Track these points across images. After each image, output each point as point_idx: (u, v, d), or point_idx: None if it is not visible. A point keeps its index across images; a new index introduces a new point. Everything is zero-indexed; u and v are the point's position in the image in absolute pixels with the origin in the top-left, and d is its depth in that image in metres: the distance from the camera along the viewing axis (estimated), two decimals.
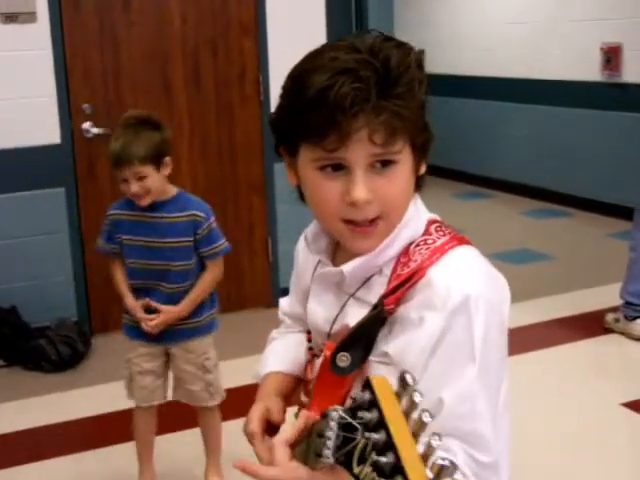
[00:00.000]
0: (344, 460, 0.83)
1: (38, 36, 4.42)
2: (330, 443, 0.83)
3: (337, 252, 1.32)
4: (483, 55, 8.39)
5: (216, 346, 4.62)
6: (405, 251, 1.23)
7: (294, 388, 1.46)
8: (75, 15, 4.54)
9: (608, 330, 4.63)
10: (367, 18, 9.46)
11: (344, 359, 1.13)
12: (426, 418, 0.79)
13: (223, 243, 2.97)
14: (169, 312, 2.93)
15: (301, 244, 1.43)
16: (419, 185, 1.27)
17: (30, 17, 4.35)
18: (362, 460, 0.80)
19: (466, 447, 1.12)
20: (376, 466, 0.77)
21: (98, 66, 4.65)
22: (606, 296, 4.95)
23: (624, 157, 6.78)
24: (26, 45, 4.41)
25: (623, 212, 6.50)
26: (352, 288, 1.26)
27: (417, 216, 1.26)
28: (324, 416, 0.86)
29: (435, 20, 9.10)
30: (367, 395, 0.82)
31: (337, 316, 1.27)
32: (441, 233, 1.24)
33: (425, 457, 0.76)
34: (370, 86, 1.12)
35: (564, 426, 3.66)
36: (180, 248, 2.90)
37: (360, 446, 0.80)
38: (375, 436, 0.79)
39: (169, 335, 3.00)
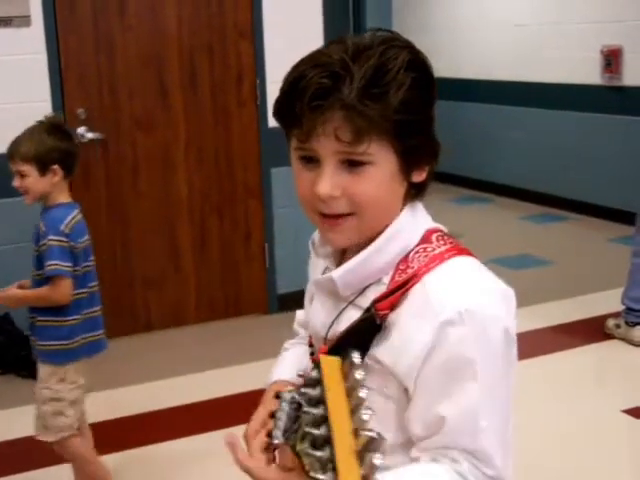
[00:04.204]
0: (288, 439, 0.85)
1: (32, 40, 4.37)
2: (280, 424, 0.85)
3: (343, 258, 1.30)
4: (482, 58, 8.35)
5: (212, 352, 4.60)
6: (404, 259, 1.21)
7: None
8: (70, 19, 4.49)
9: (609, 336, 4.58)
10: (365, 22, 9.46)
11: None
12: (362, 394, 0.79)
13: (54, 265, 2.79)
14: (10, 293, 2.94)
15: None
16: (418, 192, 1.25)
17: (24, 21, 4.31)
18: (304, 437, 0.81)
19: (470, 459, 1.12)
20: (310, 439, 0.79)
21: (93, 70, 4.60)
22: (607, 302, 4.90)
23: (624, 161, 6.74)
24: (20, 49, 4.36)
25: (623, 217, 6.46)
26: (350, 296, 1.25)
27: (412, 225, 1.24)
28: (277, 397, 0.88)
29: (434, 24, 9.06)
30: (314, 373, 0.84)
31: (333, 322, 1.27)
32: (442, 242, 1.22)
33: (356, 432, 0.76)
34: (341, 84, 1.12)
35: (564, 433, 3.61)
36: (34, 256, 2.89)
37: (304, 423, 0.81)
38: (314, 411, 0.80)
39: None
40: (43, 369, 2.91)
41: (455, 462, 1.11)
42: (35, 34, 4.37)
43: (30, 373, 4.29)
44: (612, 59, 6.86)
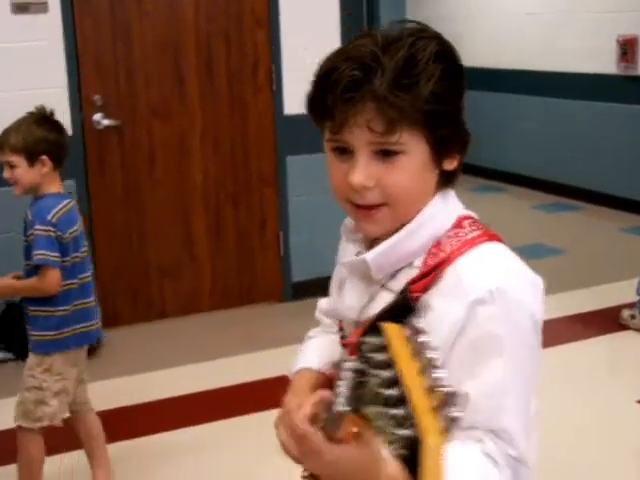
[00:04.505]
0: (353, 406, 0.85)
1: (49, 26, 4.38)
2: (344, 391, 0.85)
3: (375, 242, 1.31)
4: (496, 48, 8.32)
5: (226, 340, 4.61)
6: (437, 243, 1.23)
7: (326, 387, 1.47)
8: (87, 5, 4.49)
9: (624, 327, 4.58)
10: (378, 11, 9.42)
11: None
12: (432, 354, 0.82)
13: (41, 254, 2.78)
14: (1, 282, 2.94)
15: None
16: (450, 180, 1.27)
17: (41, 7, 4.31)
18: (371, 401, 0.83)
19: (494, 438, 1.13)
20: (382, 401, 0.81)
21: (110, 57, 4.60)
22: (621, 292, 4.90)
23: (638, 150, 6.72)
24: (37, 36, 4.36)
25: (636, 207, 6.45)
26: (382, 279, 1.27)
27: (444, 211, 1.26)
28: (335, 367, 0.89)
29: (448, 14, 9.02)
30: (378, 339, 0.86)
31: (366, 305, 1.29)
32: (474, 227, 1.25)
33: (431, 389, 0.79)
34: (372, 75, 1.14)
35: (579, 424, 3.62)
36: (24, 247, 2.88)
37: (370, 387, 0.83)
38: (384, 373, 0.82)
39: None
40: (31, 357, 2.92)
41: (480, 442, 1.12)
42: (52, 20, 4.37)
43: None
44: (628, 48, 6.83)
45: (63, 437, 3.15)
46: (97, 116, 4.58)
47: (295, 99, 4.87)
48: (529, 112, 8.01)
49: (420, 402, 0.77)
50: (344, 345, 1.38)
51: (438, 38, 1.21)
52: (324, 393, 1.01)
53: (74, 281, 2.89)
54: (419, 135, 1.18)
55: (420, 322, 0.93)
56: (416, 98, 1.15)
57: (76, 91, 4.51)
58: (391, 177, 1.20)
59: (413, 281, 1.20)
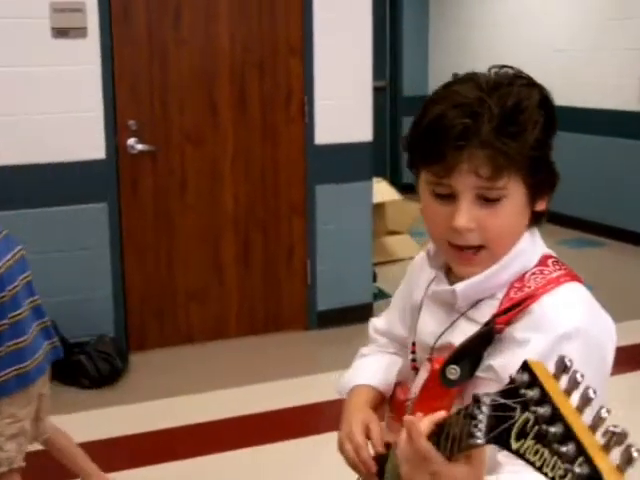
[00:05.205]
0: (495, 439, 0.87)
1: (88, 51, 4.43)
2: (482, 425, 0.88)
3: (452, 271, 1.37)
4: None
5: (250, 368, 4.60)
6: (520, 278, 1.28)
7: (380, 406, 1.53)
8: (125, 31, 4.55)
9: None
10: (402, 49, 9.50)
11: (453, 372, 1.23)
12: (592, 394, 0.82)
13: None
14: None
15: (419, 259, 1.51)
16: (538, 220, 1.33)
17: (81, 32, 4.37)
18: (521, 435, 0.83)
19: None
20: (541, 436, 0.81)
21: (145, 83, 4.65)
22: None
23: None
24: (75, 60, 4.42)
25: None
26: (463, 308, 1.32)
27: (532, 248, 1.31)
28: (475, 400, 0.90)
29: (471, 45, 9.09)
30: (525, 376, 0.86)
31: (444, 332, 1.33)
32: (557, 267, 1.30)
33: (594, 427, 0.79)
34: (480, 122, 1.20)
35: None
36: None
37: (520, 422, 0.84)
38: (540, 410, 0.82)
39: None
40: None
41: None
42: (90, 45, 4.43)
43: (75, 381, 4.35)
44: None
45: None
46: (131, 141, 4.62)
47: (326, 129, 4.97)
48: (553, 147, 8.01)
49: (588, 440, 0.78)
50: (414, 368, 1.42)
51: (537, 85, 1.27)
52: (443, 414, 1.02)
53: (4, 322, 2.61)
54: (519, 180, 1.23)
55: (570, 360, 0.91)
56: (523, 145, 1.20)
57: (112, 115, 4.55)
58: (492, 221, 1.25)
59: (498, 314, 1.24)
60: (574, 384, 0.84)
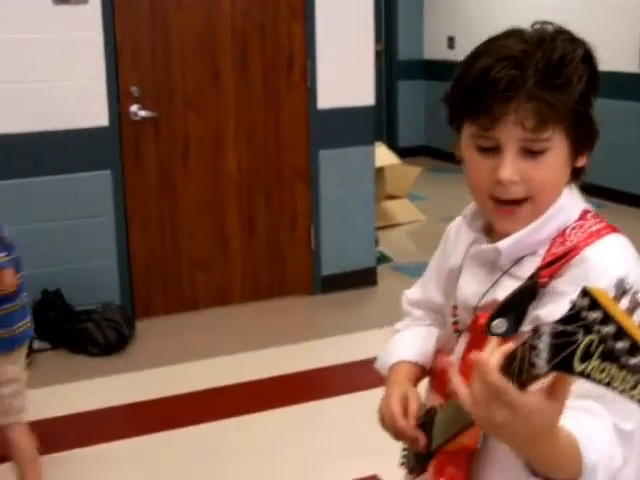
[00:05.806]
0: (558, 366, 0.87)
1: (89, 18, 4.39)
2: (544, 354, 0.88)
3: (493, 232, 1.38)
4: None
5: (255, 334, 4.60)
6: (561, 233, 1.29)
7: (420, 379, 1.53)
8: None
9: None
10: (397, 13, 9.44)
11: (500, 325, 1.22)
12: None
13: None
14: None
15: (454, 225, 1.51)
16: (578, 176, 1.33)
17: None
18: (586, 357, 0.84)
19: (609, 414, 1.13)
20: (607, 354, 0.82)
21: (148, 49, 4.62)
22: None
23: None
24: (76, 27, 4.38)
25: None
26: (506, 265, 1.32)
27: (571, 203, 1.32)
28: (534, 331, 0.91)
29: (465, 9, 9.03)
30: (586, 300, 0.87)
31: (487, 290, 1.33)
32: (598, 220, 1.31)
33: None
34: (527, 74, 1.19)
35: None
36: None
37: (584, 344, 0.85)
38: (605, 328, 0.83)
39: None
40: None
41: (594, 415, 1.12)
42: (92, 12, 4.39)
43: (82, 348, 4.36)
44: None
45: None
46: (134, 107, 4.60)
47: (328, 93, 4.94)
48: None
49: None
50: (456, 330, 1.42)
51: (582, 40, 1.27)
52: (512, 345, 1.00)
53: None
54: (563, 133, 1.24)
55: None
56: (568, 98, 1.21)
57: (114, 82, 4.52)
58: (537, 173, 1.25)
59: (541, 267, 1.25)
60: (635, 304, 0.85)
